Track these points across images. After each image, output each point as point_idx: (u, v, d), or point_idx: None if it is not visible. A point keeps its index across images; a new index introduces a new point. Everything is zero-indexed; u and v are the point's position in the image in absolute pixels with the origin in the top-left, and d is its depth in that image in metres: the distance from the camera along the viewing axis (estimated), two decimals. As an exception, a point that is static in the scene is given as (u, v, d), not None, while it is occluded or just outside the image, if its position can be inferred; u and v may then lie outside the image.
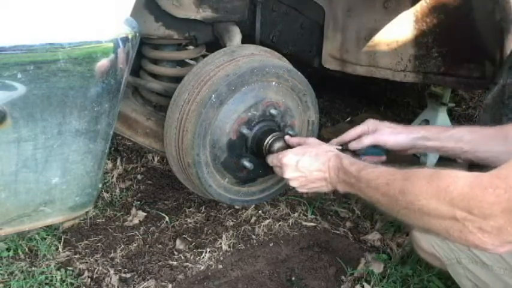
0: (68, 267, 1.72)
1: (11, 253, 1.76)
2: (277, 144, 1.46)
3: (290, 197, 2.14)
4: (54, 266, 1.71)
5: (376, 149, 1.44)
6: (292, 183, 1.36)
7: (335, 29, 2.17)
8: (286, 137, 1.47)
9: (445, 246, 1.33)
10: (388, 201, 1.06)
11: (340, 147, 1.43)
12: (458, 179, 0.90)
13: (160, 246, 1.86)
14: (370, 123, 1.46)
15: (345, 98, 3.18)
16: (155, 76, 1.79)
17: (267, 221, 2.00)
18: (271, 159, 1.43)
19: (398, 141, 1.43)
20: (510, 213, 0.82)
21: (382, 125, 1.45)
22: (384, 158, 1.45)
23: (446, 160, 2.59)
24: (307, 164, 1.31)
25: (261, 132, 1.49)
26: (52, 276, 1.66)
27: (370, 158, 1.43)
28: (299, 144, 1.41)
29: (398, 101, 3.25)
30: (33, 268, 1.70)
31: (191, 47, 1.81)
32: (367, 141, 1.43)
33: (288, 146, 1.46)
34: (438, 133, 1.39)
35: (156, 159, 2.43)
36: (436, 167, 1.06)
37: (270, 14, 2.10)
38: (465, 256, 1.27)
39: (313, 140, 1.44)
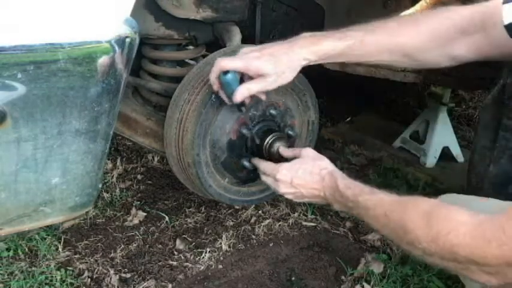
0: (68, 267, 1.72)
1: (11, 253, 1.76)
2: (277, 144, 1.45)
3: (290, 197, 2.14)
4: (54, 266, 1.71)
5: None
6: (287, 196, 1.33)
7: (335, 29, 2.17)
8: (281, 150, 1.42)
9: None
10: (389, 233, 1.04)
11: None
12: (460, 226, 0.87)
13: (160, 246, 1.87)
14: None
15: (345, 98, 3.18)
16: (155, 76, 1.79)
17: (267, 221, 2.00)
18: (264, 169, 1.38)
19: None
20: None
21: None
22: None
23: (446, 160, 2.60)
24: (301, 181, 1.27)
25: (261, 132, 1.49)
26: (52, 276, 1.67)
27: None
28: (294, 157, 1.36)
29: (398, 101, 3.25)
30: (33, 268, 1.70)
31: (191, 47, 1.81)
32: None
33: (290, 146, 1.46)
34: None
35: (156, 159, 2.43)
36: (432, 197, 1.00)
37: (270, 14, 2.10)
38: None
39: (308, 153, 1.37)
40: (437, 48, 1.19)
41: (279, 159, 1.45)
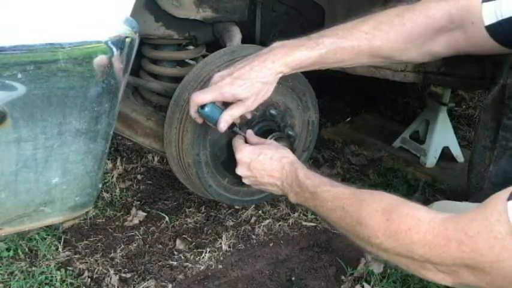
0: (68, 267, 1.72)
1: (11, 253, 1.76)
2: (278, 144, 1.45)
3: (290, 197, 2.14)
4: (54, 266, 1.71)
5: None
6: (244, 180, 1.30)
7: (335, 29, 2.17)
8: (248, 132, 1.37)
9: None
10: (344, 226, 1.01)
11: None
12: (421, 223, 0.85)
13: (160, 246, 1.87)
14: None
15: (345, 98, 3.18)
16: (155, 76, 1.79)
17: (267, 221, 2.00)
18: (233, 145, 1.34)
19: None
20: (472, 268, 0.80)
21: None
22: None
23: (446, 160, 2.60)
24: (259, 166, 1.23)
25: (261, 132, 1.49)
26: (52, 276, 1.67)
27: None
28: (258, 144, 1.32)
29: (399, 101, 3.25)
30: (33, 268, 1.70)
31: (191, 47, 1.81)
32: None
33: (290, 146, 1.46)
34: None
35: (156, 159, 2.43)
36: (391, 193, 0.98)
37: (270, 14, 2.10)
38: None
39: (272, 142, 1.34)
40: (416, 48, 1.17)
41: None
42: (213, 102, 1.23)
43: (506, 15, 1.01)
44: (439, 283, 0.89)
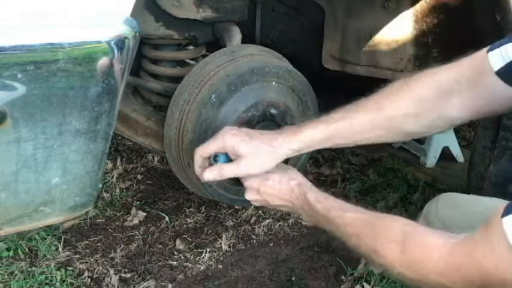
0: (68, 267, 1.72)
1: (11, 253, 1.76)
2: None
3: (290, 197, 2.14)
4: (54, 266, 1.71)
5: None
6: (254, 204, 1.29)
7: (335, 29, 2.17)
8: None
9: None
10: (362, 253, 1.03)
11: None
12: (433, 252, 0.88)
13: (160, 246, 1.87)
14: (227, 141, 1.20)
15: (345, 98, 3.17)
16: (155, 76, 1.79)
17: (267, 221, 2.00)
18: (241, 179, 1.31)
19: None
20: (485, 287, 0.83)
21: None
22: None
23: (446, 160, 2.60)
24: (268, 190, 1.22)
25: (261, 132, 1.49)
26: (52, 276, 1.67)
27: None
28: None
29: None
30: (33, 268, 1.70)
31: (191, 47, 1.81)
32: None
33: None
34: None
35: (156, 159, 2.43)
36: (405, 218, 0.99)
37: (270, 14, 2.10)
38: None
39: (279, 164, 1.28)
40: (430, 113, 1.13)
41: None
42: (224, 153, 1.21)
43: None
44: None
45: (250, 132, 1.23)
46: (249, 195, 1.26)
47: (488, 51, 1.05)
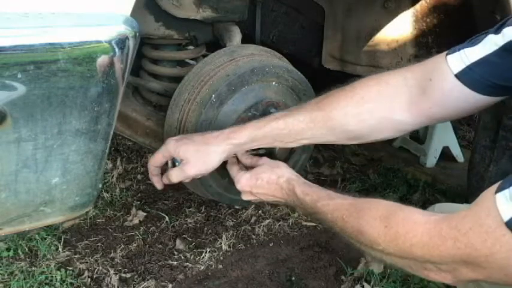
0: (68, 267, 1.72)
1: (11, 253, 1.76)
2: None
3: (290, 197, 2.14)
4: (54, 266, 1.71)
5: None
6: (254, 201, 1.33)
7: (335, 29, 2.17)
8: (241, 156, 1.37)
9: None
10: (348, 236, 1.03)
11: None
12: (417, 226, 0.88)
13: (160, 246, 1.87)
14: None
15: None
16: (155, 76, 1.79)
17: (267, 221, 2.00)
18: (230, 172, 1.36)
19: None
20: (469, 263, 0.82)
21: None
22: None
23: (446, 160, 2.60)
24: (261, 190, 1.26)
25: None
26: (52, 276, 1.67)
27: None
28: (252, 165, 1.33)
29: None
30: (33, 268, 1.70)
31: (191, 47, 1.81)
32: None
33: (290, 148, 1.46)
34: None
35: (156, 159, 2.43)
36: (387, 199, 1.01)
37: (270, 14, 2.10)
38: None
39: (264, 161, 1.32)
40: (371, 114, 1.13)
41: (278, 159, 1.45)
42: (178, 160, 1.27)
43: (473, 59, 1.00)
44: (441, 282, 0.91)
45: (192, 136, 1.29)
46: (245, 197, 1.31)
47: (447, 55, 1.05)
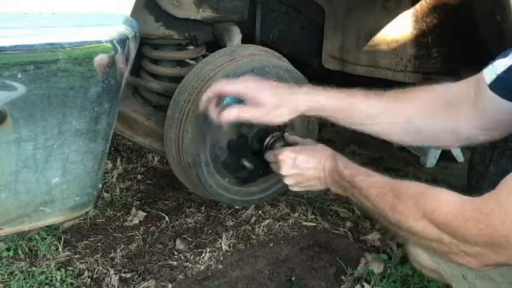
0: (68, 267, 1.72)
1: (11, 253, 1.76)
2: (278, 144, 1.46)
3: (290, 197, 2.14)
4: (54, 266, 1.71)
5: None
6: (287, 181, 1.33)
7: (335, 29, 2.17)
8: (286, 134, 1.46)
9: (449, 263, 1.29)
10: (378, 213, 1.07)
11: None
12: (444, 205, 0.92)
13: (160, 246, 1.87)
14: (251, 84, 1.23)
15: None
16: (155, 76, 1.79)
17: (267, 221, 2.00)
18: (269, 155, 1.41)
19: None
20: (491, 245, 0.85)
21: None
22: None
23: (446, 160, 2.60)
24: (304, 161, 1.29)
25: (261, 132, 1.49)
26: (52, 276, 1.67)
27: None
28: (296, 143, 1.41)
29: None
30: (33, 268, 1.70)
31: (191, 47, 1.81)
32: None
33: (287, 145, 1.46)
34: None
35: (156, 159, 2.44)
36: (425, 183, 1.05)
37: (270, 14, 2.10)
38: (471, 272, 1.24)
39: (310, 140, 1.43)
40: (437, 118, 1.16)
41: None
42: (234, 98, 1.22)
43: (502, 69, 1.04)
44: (466, 266, 0.93)
45: (272, 82, 1.25)
46: (284, 169, 1.30)
47: (483, 68, 1.08)
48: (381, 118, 1.22)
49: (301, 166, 1.29)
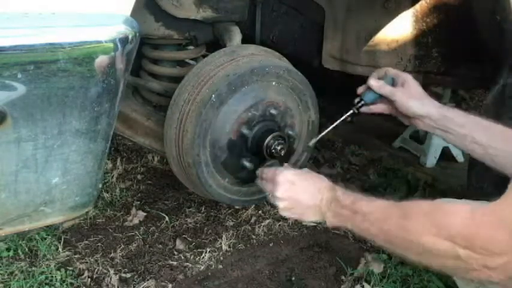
0: (68, 267, 1.72)
1: (11, 253, 1.76)
2: (278, 145, 1.46)
3: (290, 197, 2.14)
4: (54, 266, 1.71)
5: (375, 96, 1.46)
6: (280, 203, 1.26)
7: (335, 29, 2.17)
8: (285, 165, 1.42)
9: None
10: (385, 237, 1.04)
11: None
12: (456, 216, 0.91)
13: (160, 246, 1.87)
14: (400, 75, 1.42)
15: (345, 98, 3.17)
16: (155, 76, 1.79)
17: (267, 221, 2.00)
18: (265, 173, 1.35)
19: (425, 110, 1.35)
20: (506, 253, 0.85)
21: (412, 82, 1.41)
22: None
23: (446, 160, 2.60)
24: (302, 186, 1.24)
25: (261, 132, 1.49)
26: (52, 276, 1.67)
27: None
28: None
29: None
30: (33, 268, 1.70)
31: (191, 47, 1.81)
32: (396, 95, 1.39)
33: (290, 146, 1.46)
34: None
35: (156, 159, 2.43)
36: (430, 198, 1.04)
37: (270, 14, 2.10)
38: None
39: (307, 170, 1.34)
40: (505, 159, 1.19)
41: (279, 158, 1.44)
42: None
43: None
44: (490, 282, 0.92)
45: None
46: (280, 192, 1.25)
47: None
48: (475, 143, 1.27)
49: (299, 191, 1.24)
